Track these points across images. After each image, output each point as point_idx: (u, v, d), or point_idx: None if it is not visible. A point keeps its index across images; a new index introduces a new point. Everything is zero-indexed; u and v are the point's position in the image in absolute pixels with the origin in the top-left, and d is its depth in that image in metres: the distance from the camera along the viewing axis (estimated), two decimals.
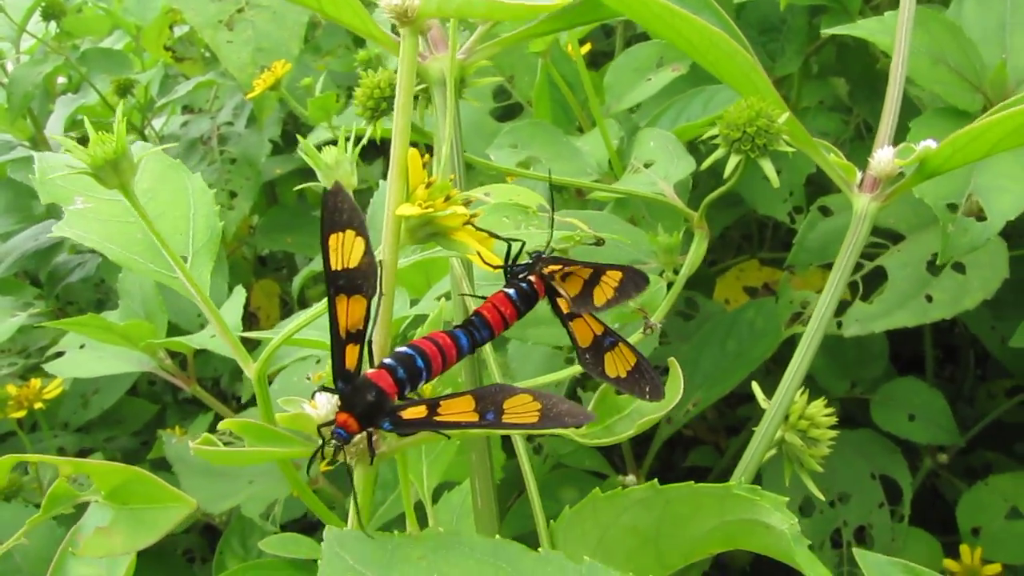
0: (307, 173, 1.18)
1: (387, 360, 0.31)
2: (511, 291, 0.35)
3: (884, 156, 0.42)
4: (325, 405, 0.30)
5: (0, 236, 0.98)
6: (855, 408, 0.86)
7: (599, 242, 0.39)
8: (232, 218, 0.91)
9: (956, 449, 0.91)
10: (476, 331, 0.34)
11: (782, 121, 0.40)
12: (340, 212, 0.31)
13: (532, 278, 0.35)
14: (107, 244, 0.38)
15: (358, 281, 0.31)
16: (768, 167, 0.42)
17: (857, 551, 0.40)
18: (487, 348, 0.43)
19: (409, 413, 0.30)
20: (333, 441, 0.30)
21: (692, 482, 0.34)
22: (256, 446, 0.30)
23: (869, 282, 0.70)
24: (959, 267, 0.68)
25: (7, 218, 0.92)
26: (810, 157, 0.43)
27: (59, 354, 0.73)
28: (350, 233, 0.31)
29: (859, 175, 0.44)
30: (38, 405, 0.77)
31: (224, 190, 0.93)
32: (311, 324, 0.34)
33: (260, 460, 0.31)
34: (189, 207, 0.40)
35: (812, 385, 0.86)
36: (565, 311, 0.36)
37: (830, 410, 0.41)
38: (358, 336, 0.32)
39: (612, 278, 0.35)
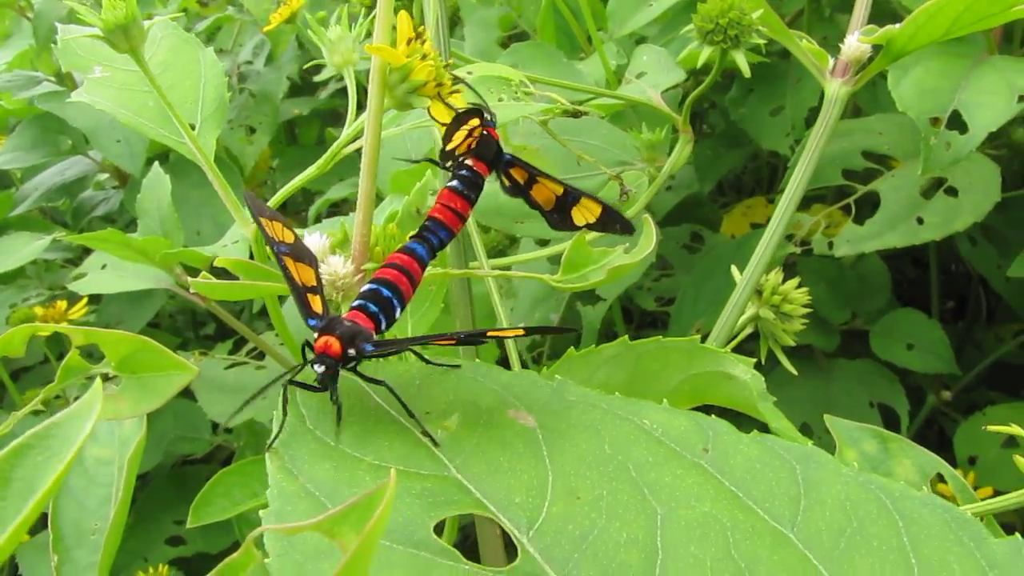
0: (324, 115, 1.21)
1: (354, 302, 0.31)
2: (455, 183, 0.34)
3: (854, 41, 0.44)
4: (317, 242, 0.32)
5: (27, 170, 1.01)
6: (855, 340, 0.88)
7: (577, 114, 0.41)
8: (251, 152, 0.94)
9: (960, 388, 0.93)
10: (433, 235, 0.33)
11: (756, 16, 0.42)
12: (264, 210, 0.32)
13: (469, 162, 0.34)
14: (120, 109, 0.41)
15: (299, 254, 0.32)
16: (741, 59, 0.44)
17: (827, 416, 0.43)
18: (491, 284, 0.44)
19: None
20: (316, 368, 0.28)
21: (660, 337, 0.37)
22: (247, 278, 0.32)
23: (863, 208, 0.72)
24: (952, 191, 0.70)
25: (34, 153, 0.95)
26: (784, 44, 0.45)
27: (82, 276, 0.77)
28: (278, 224, 0.32)
29: (831, 61, 0.46)
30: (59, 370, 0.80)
31: (244, 126, 0.96)
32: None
33: (252, 294, 0.34)
34: (200, 78, 0.42)
35: (812, 315, 0.88)
36: (522, 181, 0.36)
37: (804, 289, 0.43)
38: (315, 290, 0.31)
39: (591, 208, 0.35)
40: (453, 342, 0.29)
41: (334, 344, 0.28)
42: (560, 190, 0.35)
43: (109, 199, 0.99)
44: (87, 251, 1.08)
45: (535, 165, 0.36)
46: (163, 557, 0.82)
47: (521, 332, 0.30)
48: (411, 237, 0.33)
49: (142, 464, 0.62)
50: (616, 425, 0.28)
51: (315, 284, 0.31)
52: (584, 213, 0.35)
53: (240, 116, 0.98)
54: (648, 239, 0.35)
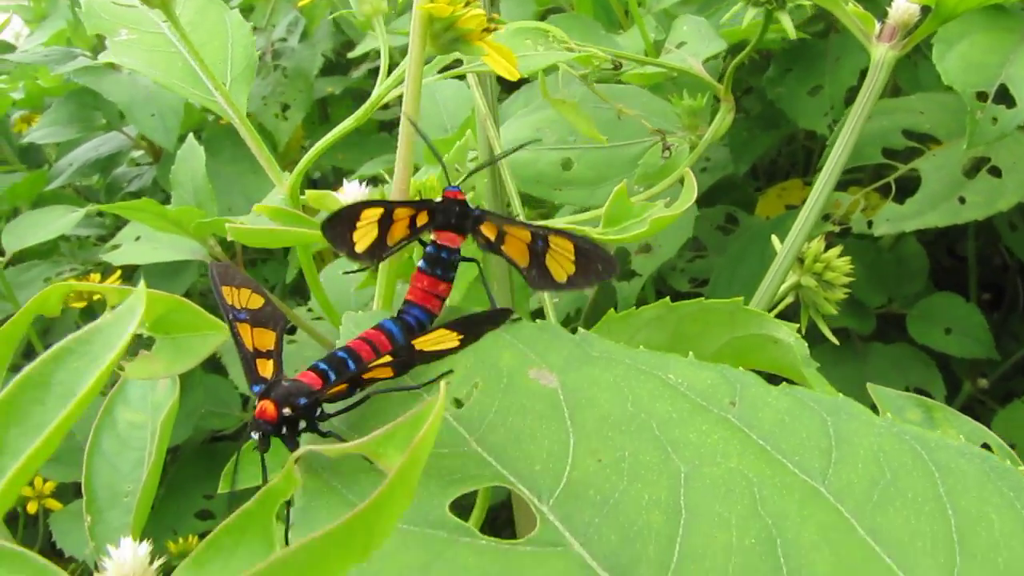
0: (357, 95, 1.21)
1: (318, 363, 0.30)
2: (420, 263, 0.33)
3: (902, 3, 0.42)
4: (353, 191, 0.32)
5: (62, 145, 1.02)
6: (891, 324, 0.86)
7: (617, 66, 0.40)
8: (284, 129, 0.94)
9: (997, 376, 0.91)
10: (406, 315, 0.32)
11: None
12: (233, 277, 0.32)
13: (432, 236, 0.33)
14: (151, 69, 0.41)
15: (262, 319, 0.31)
16: (786, 21, 0.43)
17: (869, 385, 0.42)
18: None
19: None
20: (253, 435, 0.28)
21: (702, 299, 0.36)
22: (282, 224, 0.32)
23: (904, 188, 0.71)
24: (995, 171, 0.68)
25: (69, 128, 0.96)
26: (830, 9, 0.44)
27: (117, 247, 0.77)
28: (246, 291, 0.32)
29: (878, 26, 0.44)
30: (96, 296, 0.80)
31: (278, 102, 0.96)
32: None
33: (288, 241, 0.34)
34: (227, 38, 0.42)
35: (848, 298, 0.87)
36: (492, 237, 0.33)
37: (847, 258, 0.42)
38: (269, 355, 0.31)
39: (564, 249, 0.32)
40: (390, 372, 0.28)
41: (268, 408, 0.28)
42: (528, 236, 0.33)
43: (142, 175, 1.00)
44: (119, 229, 1.10)
45: (506, 218, 0.34)
46: (192, 530, 0.82)
47: (456, 342, 0.28)
48: (389, 318, 0.32)
49: (172, 437, 0.62)
50: (640, 381, 0.28)
51: (272, 348, 0.31)
52: (559, 260, 0.32)
53: (274, 93, 0.98)
54: (689, 192, 0.34)
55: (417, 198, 0.38)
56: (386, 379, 0.29)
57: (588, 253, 0.31)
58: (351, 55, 0.97)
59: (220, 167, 0.88)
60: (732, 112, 0.48)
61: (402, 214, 0.32)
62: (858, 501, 0.24)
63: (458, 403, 0.28)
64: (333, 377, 0.29)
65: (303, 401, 0.28)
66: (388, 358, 0.28)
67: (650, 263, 0.64)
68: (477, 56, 0.32)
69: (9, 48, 1.23)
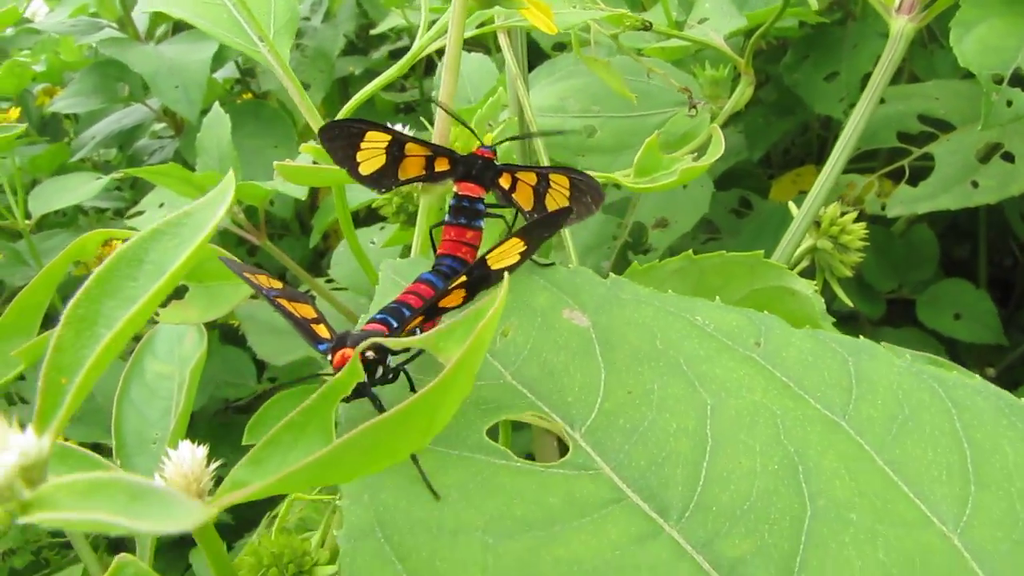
0: (378, 75, 1.22)
1: (375, 316, 0.30)
2: (446, 217, 0.33)
3: None
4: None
5: (82, 119, 1.03)
6: (901, 309, 0.87)
7: (647, 26, 0.41)
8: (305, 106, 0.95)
9: (1004, 365, 0.92)
10: (443, 266, 0.32)
11: None
12: (247, 268, 0.32)
13: (456, 188, 0.33)
14: (198, 19, 0.42)
15: (293, 294, 0.31)
16: None
17: (884, 344, 0.42)
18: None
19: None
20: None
21: (723, 252, 0.37)
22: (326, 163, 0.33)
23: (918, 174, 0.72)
24: (1008, 157, 0.69)
25: (93, 99, 0.97)
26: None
27: (140, 213, 0.78)
28: (263, 276, 0.32)
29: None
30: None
31: (299, 80, 0.97)
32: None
33: (332, 180, 0.35)
34: None
35: (859, 281, 0.88)
36: (507, 187, 0.34)
37: (862, 223, 0.43)
38: (318, 320, 0.31)
39: (560, 185, 0.32)
40: (462, 296, 0.29)
41: (348, 354, 0.27)
42: (534, 178, 0.33)
43: (164, 148, 1.01)
44: (137, 203, 1.11)
45: (521, 166, 0.34)
46: None
47: (518, 256, 0.29)
48: (429, 272, 0.32)
49: None
50: (668, 322, 0.29)
51: (316, 316, 0.31)
52: (555, 198, 0.33)
53: (296, 72, 0.99)
54: (716, 147, 0.35)
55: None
56: (456, 307, 0.29)
57: (580, 185, 0.32)
58: (373, 32, 0.98)
59: (242, 141, 0.89)
60: (752, 85, 0.49)
61: (415, 150, 0.33)
62: (877, 434, 0.26)
63: (494, 341, 0.29)
64: (394, 323, 0.29)
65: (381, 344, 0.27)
66: (463, 278, 0.28)
67: (666, 237, 0.65)
68: (516, 11, 0.33)
69: (31, 29, 1.24)
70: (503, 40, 0.41)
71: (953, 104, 0.73)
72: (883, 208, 0.70)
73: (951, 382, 0.27)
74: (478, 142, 0.33)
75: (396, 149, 0.33)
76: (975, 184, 0.68)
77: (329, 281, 0.80)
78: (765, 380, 0.27)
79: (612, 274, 0.30)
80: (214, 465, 0.22)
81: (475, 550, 0.22)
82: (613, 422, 0.26)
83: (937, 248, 0.87)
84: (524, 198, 0.33)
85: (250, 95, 1.08)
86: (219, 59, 0.97)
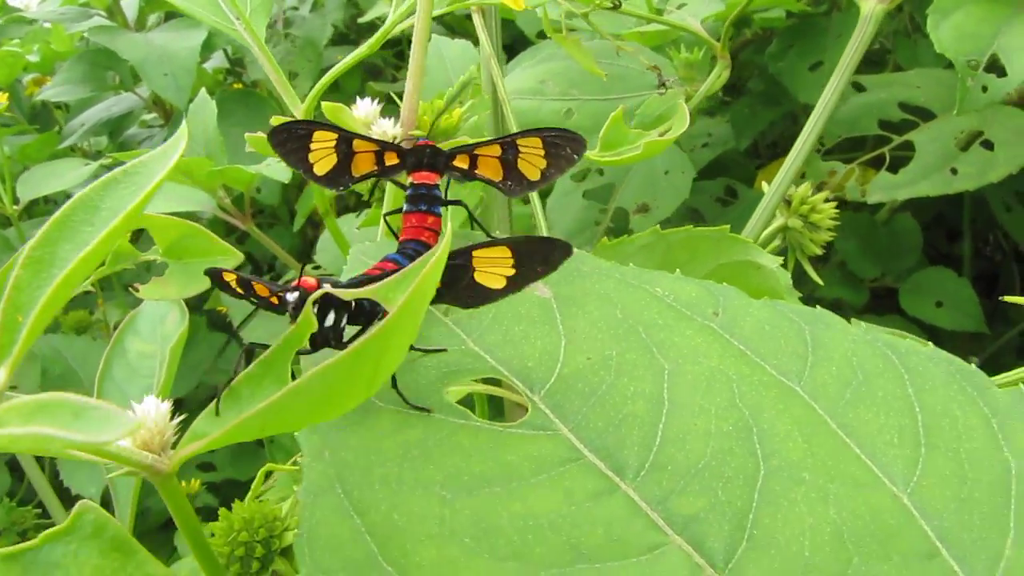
0: (367, 67, 1.22)
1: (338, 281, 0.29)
2: (404, 206, 0.33)
3: None
4: (366, 107, 0.34)
5: (73, 108, 1.03)
6: (884, 297, 0.88)
7: (616, 5, 0.41)
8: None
9: (987, 355, 0.93)
10: (407, 248, 0.32)
11: None
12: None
13: (410, 178, 0.33)
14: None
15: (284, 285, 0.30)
16: None
17: (853, 319, 0.43)
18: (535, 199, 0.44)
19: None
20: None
21: (690, 227, 0.38)
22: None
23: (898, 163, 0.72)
24: (988, 144, 0.70)
25: (82, 87, 0.98)
26: None
27: None
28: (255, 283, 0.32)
29: None
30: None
31: (287, 70, 0.97)
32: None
33: None
34: None
35: (842, 269, 0.89)
36: (467, 165, 0.33)
37: (833, 203, 0.44)
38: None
39: (533, 146, 0.32)
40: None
41: (308, 280, 0.27)
42: (498, 149, 0.33)
43: (153, 136, 1.01)
44: None
45: (471, 141, 0.34)
46: (194, 478, 0.84)
47: (503, 281, 0.27)
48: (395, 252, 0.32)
49: (176, 389, 0.64)
50: (628, 293, 0.29)
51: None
52: (530, 160, 0.32)
53: (284, 61, 0.99)
54: (681, 122, 0.35)
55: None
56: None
57: (556, 140, 0.31)
58: (361, 21, 0.99)
59: (230, 129, 0.89)
60: (728, 68, 0.50)
61: (363, 147, 0.33)
62: (831, 399, 0.26)
63: (454, 312, 0.29)
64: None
65: (340, 283, 0.28)
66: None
67: (647, 223, 0.66)
68: None
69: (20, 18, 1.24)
70: (477, 20, 0.41)
71: (934, 92, 0.74)
72: (863, 195, 0.71)
73: (904, 349, 0.27)
74: (447, 121, 0.33)
75: (345, 146, 0.33)
76: (954, 171, 0.69)
77: (316, 268, 0.80)
78: (722, 347, 0.27)
79: (576, 248, 0.30)
80: (178, 419, 0.22)
81: (433, 504, 0.23)
82: (572, 386, 0.26)
83: (920, 237, 0.88)
84: (491, 171, 0.33)
85: (240, 85, 1.09)
86: (208, 47, 0.97)
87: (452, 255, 0.27)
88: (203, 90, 0.73)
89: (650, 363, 0.27)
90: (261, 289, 0.28)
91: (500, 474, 0.24)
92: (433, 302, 0.28)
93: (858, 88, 0.74)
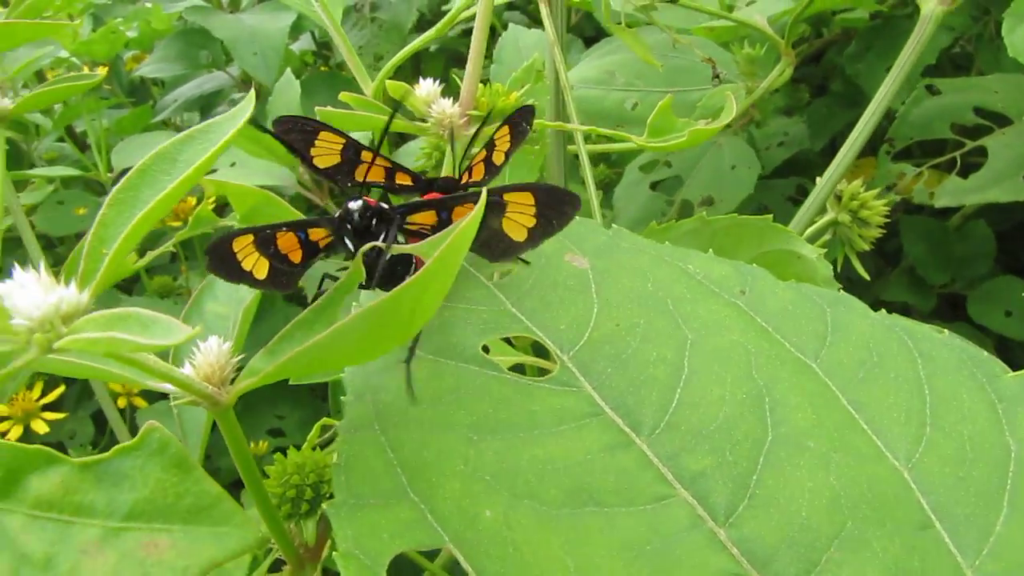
0: (450, 54, 1.25)
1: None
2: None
3: None
4: (427, 87, 0.36)
5: (167, 84, 1.08)
6: (952, 304, 0.87)
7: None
8: (378, 77, 0.99)
9: None
10: None
11: None
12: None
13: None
14: None
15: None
16: None
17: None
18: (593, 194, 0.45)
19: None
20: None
21: (735, 215, 0.39)
22: (363, 111, 0.36)
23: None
24: None
25: (176, 64, 1.02)
26: None
27: (213, 171, 0.83)
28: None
29: None
30: (190, 218, 0.86)
31: (372, 52, 1.01)
32: None
33: (365, 126, 0.37)
34: None
35: (911, 275, 0.88)
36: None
37: (884, 200, 0.45)
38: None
39: (521, 202, 0.28)
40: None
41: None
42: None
43: None
44: None
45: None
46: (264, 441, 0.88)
47: (525, 231, 0.28)
48: None
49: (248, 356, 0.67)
50: (661, 268, 0.31)
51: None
52: (516, 219, 0.28)
53: (369, 44, 1.03)
54: (728, 111, 0.37)
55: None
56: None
57: (551, 196, 0.28)
58: (444, 8, 1.01)
59: (310, 111, 0.93)
60: (791, 66, 0.51)
61: (287, 241, 0.29)
62: (845, 378, 0.28)
63: (500, 276, 0.31)
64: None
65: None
66: (481, 194, 0.25)
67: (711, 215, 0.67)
68: None
69: None
70: (543, 8, 0.43)
71: (1012, 97, 0.73)
72: (931, 198, 0.70)
73: (920, 334, 0.28)
74: (504, 103, 0.35)
75: (351, 152, 0.33)
76: None
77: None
78: (745, 323, 0.29)
79: (615, 225, 0.32)
80: (238, 357, 0.25)
81: (460, 444, 0.25)
82: (599, 349, 0.28)
83: (994, 245, 0.87)
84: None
85: (326, 68, 1.12)
86: (297, 29, 1.01)
87: (490, 191, 0.28)
88: (288, 70, 0.77)
89: (674, 332, 0.28)
90: (286, 242, 0.28)
91: (524, 422, 0.26)
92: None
93: (931, 91, 0.74)
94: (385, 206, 0.28)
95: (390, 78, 0.47)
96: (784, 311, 0.29)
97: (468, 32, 1.27)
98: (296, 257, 0.30)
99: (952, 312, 0.87)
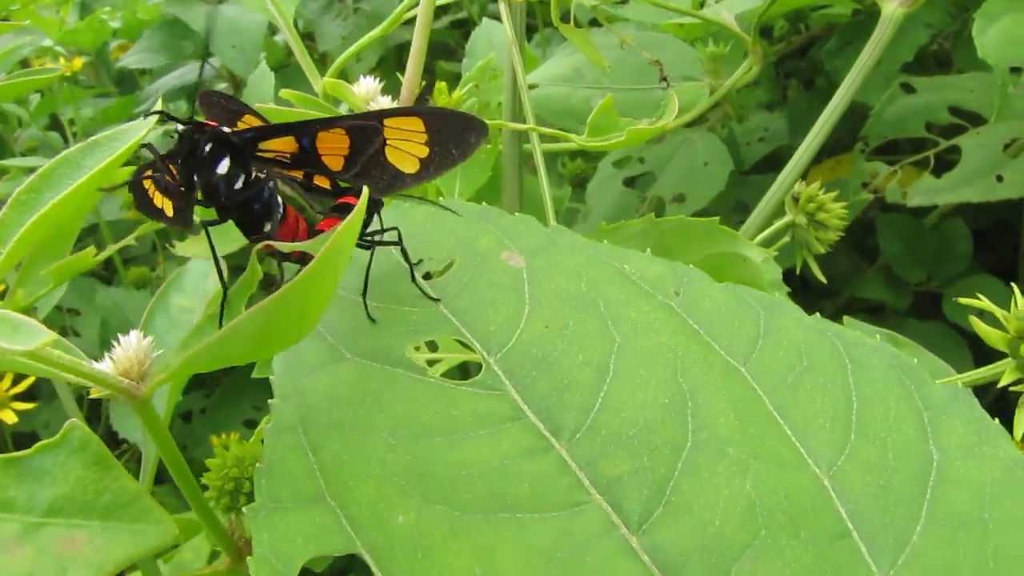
0: (435, 46, 1.25)
1: None
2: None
3: None
4: (367, 84, 0.36)
5: (157, 71, 1.08)
6: (928, 302, 0.87)
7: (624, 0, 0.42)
8: (359, 69, 0.99)
9: None
10: None
11: None
12: None
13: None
14: None
15: None
16: None
17: (846, 317, 0.44)
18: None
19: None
20: None
21: (683, 216, 0.39)
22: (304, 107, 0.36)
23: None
24: None
25: (160, 55, 1.02)
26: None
27: None
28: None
29: None
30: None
31: (355, 43, 1.00)
32: None
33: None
34: None
35: (887, 272, 0.88)
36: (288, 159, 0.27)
37: (843, 203, 0.44)
38: None
39: (408, 127, 0.26)
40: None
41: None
42: (354, 129, 0.26)
43: None
44: None
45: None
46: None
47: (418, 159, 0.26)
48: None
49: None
50: (597, 268, 0.31)
51: None
52: (404, 147, 0.27)
53: (352, 35, 1.03)
54: (670, 112, 0.37)
55: None
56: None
57: (445, 120, 0.26)
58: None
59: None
60: (758, 64, 0.51)
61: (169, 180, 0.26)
62: (773, 382, 0.27)
63: (434, 275, 0.31)
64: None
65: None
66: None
67: (682, 212, 0.67)
68: None
69: None
70: (502, 6, 0.43)
71: (987, 97, 0.73)
72: (904, 197, 0.70)
73: (852, 341, 0.28)
74: (444, 96, 0.35)
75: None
76: (1000, 178, 0.68)
77: None
78: (675, 325, 0.29)
79: (553, 222, 0.32)
80: (157, 352, 0.25)
81: (378, 447, 0.25)
82: (526, 351, 0.28)
83: (970, 244, 0.87)
84: (335, 163, 0.27)
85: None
86: None
87: (361, 116, 0.26)
88: (263, 63, 0.77)
89: (603, 335, 0.28)
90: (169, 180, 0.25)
91: (444, 426, 0.26)
92: (343, 178, 0.27)
93: (907, 89, 0.74)
94: (227, 131, 0.25)
95: (372, 71, 0.46)
96: (717, 313, 0.29)
97: (456, 24, 1.27)
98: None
99: (928, 310, 0.87)
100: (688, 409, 0.26)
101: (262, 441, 0.40)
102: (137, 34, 1.21)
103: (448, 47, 1.30)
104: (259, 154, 0.27)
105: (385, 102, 0.35)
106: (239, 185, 0.25)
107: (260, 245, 0.25)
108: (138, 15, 1.17)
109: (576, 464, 0.25)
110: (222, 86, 1.11)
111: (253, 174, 0.26)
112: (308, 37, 1.12)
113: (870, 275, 0.87)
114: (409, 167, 0.27)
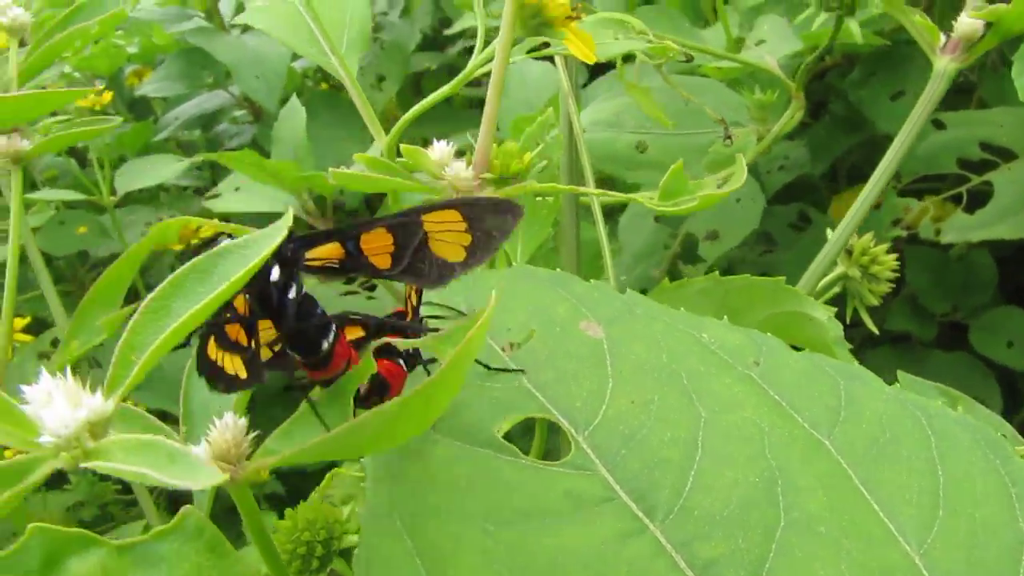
0: (452, 71, 1.25)
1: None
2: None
3: (965, 18, 0.44)
4: (441, 149, 0.36)
5: (169, 101, 1.09)
6: (954, 333, 0.87)
7: (688, 58, 0.43)
8: (379, 99, 0.99)
9: None
10: None
11: None
12: None
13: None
14: (277, 29, 0.46)
15: None
16: (854, 28, 0.45)
17: (900, 372, 0.44)
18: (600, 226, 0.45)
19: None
20: None
21: (749, 275, 0.39)
22: (378, 173, 0.36)
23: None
24: None
25: (178, 83, 1.02)
26: (898, 19, 0.46)
27: (217, 196, 0.83)
28: None
29: (943, 38, 0.47)
30: (194, 241, 0.86)
31: (374, 73, 1.01)
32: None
33: (383, 187, 0.37)
34: (347, 11, 0.47)
35: (912, 303, 0.88)
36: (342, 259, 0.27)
37: (894, 255, 0.45)
38: None
39: (448, 220, 0.26)
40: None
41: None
42: (398, 232, 0.27)
43: (242, 133, 1.05)
44: (216, 183, 1.16)
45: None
46: None
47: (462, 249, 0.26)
48: None
49: (259, 390, 0.67)
50: (676, 337, 0.31)
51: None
52: (447, 239, 0.27)
53: (371, 64, 1.03)
54: (739, 175, 0.37)
55: None
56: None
57: (479, 208, 0.27)
58: (448, 32, 1.01)
59: (316, 131, 0.93)
60: (802, 110, 0.51)
61: (233, 329, 0.26)
62: (857, 455, 0.28)
63: (514, 346, 0.31)
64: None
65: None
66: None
67: (715, 249, 0.67)
68: (560, 40, 0.36)
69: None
70: (558, 60, 0.43)
71: (1018, 132, 0.74)
72: (937, 234, 0.71)
73: (933, 412, 0.29)
74: (518, 166, 0.35)
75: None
76: None
77: None
78: (758, 398, 0.29)
79: (629, 289, 0.32)
80: (252, 435, 0.25)
81: (476, 534, 0.25)
82: (614, 428, 0.28)
83: (996, 274, 0.87)
84: (382, 261, 0.27)
85: (326, 86, 1.12)
86: None
87: (400, 213, 0.26)
88: (294, 97, 0.77)
89: (688, 409, 0.29)
90: (233, 330, 0.25)
91: (539, 510, 0.26)
92: (392, 276, 0.27)
93: (937, 125, 0.74)
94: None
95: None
96: (798, 384, 0.29)
97: (468, 50, 1.27)
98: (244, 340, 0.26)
99: (954, 341, 0.87)
100: (778, 487, 0.26)
101: (324, 499, 0.40)
102: (152, 58, 1.21)
103: (461, 71, 1.30)
104: (308, 263, 0.27)
105: (460, 166, 0.35)
106: (293, 297, 0.25)
107: (376, 344, 0.25)
108: (154, 40, 1.17)
109: (671, 546, 0.25)
110: (240, 113, 1.11)
111: (304, 288, 0.26)
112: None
113: (895, 306, 0.87)
114: (454, 256, 0.27)
